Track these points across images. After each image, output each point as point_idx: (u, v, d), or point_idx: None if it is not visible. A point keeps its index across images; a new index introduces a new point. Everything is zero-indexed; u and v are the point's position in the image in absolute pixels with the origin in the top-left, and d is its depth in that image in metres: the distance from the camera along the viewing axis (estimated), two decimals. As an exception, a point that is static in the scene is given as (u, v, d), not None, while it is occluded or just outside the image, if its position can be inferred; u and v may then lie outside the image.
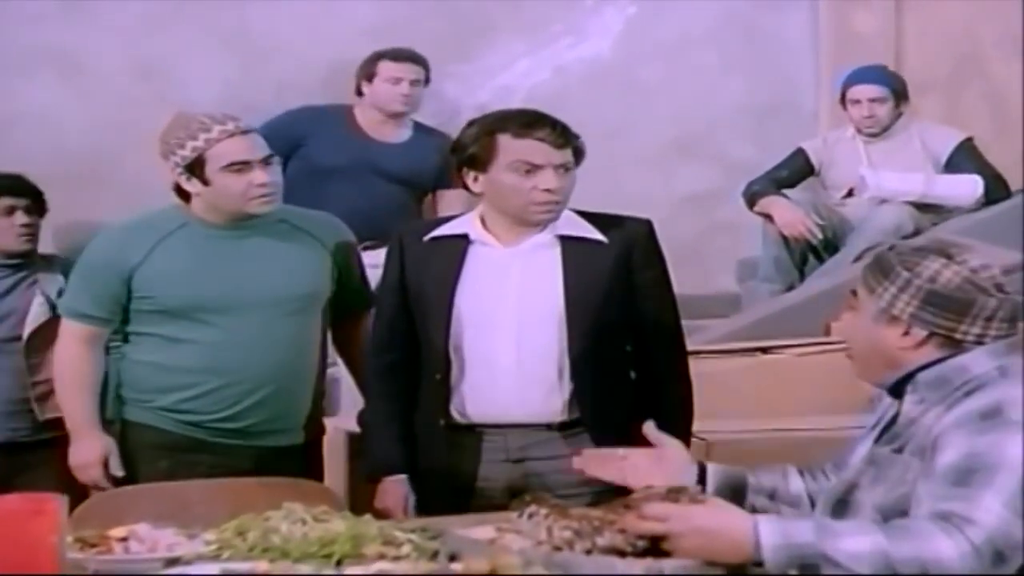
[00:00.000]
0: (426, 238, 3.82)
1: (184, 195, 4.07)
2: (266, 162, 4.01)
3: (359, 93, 6.26)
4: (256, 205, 4.00)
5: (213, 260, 4.03)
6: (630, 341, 3.80)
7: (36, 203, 4.69)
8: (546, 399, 3.71)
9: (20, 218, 4.63)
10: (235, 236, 4.05)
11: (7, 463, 4.47)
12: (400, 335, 3.83)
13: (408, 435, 3.82)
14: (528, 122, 3.71)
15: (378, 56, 6.25)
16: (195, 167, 3.99)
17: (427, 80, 6.28)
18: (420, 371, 3.81)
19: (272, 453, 4.06)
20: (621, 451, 3.13)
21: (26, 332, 4.53)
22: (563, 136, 3.70)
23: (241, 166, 3.97)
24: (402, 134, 6.27)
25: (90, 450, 4.08)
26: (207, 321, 4.01)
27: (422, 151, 6.22)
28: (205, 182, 3.99)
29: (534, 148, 3.67)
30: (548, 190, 3.67)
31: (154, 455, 4.05)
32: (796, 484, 3.09)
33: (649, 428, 3.13)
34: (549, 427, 3.73)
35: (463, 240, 3.78)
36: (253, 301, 4.02)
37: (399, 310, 3.83)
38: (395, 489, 3.82)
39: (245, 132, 4.01)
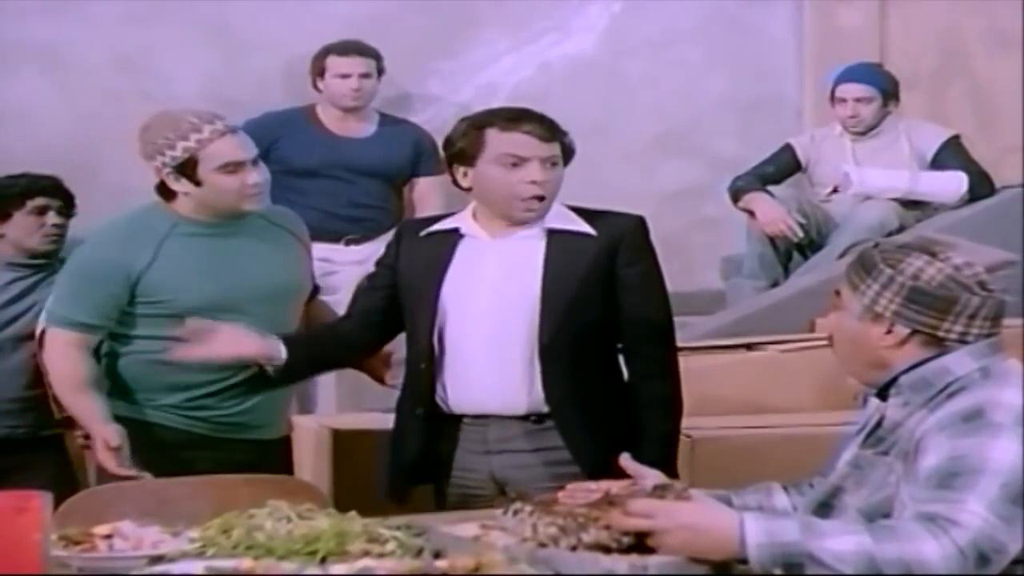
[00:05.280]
0: (422, 233, 3.84)
1: (167, 194, 4.03)
2: (255, 162, 4.01)
3: (316, 89, 6.25)
4: (250, 203, 4.00)
5: (215, 259, 4.01)
6: (615, 337, 3.79)
7: (67, 206, 4.68)
8: (517, 390, 3.71)
9: (52, 219, 4.62)
10: (226, 234, 4.04)
11: (4, 460, 4.45)
12: (362, 308, 3.91)
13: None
14: (515, 116, 3.73)
15: (326, 51, 6.23)
16: (186, 167, 3.95)
17: (380, 71, 6.24)
18: (356, 345, 3.93)
19: (262, 447, 4.07)
20: (594, 484, 3.08)
21: (38, 330, 4.48)
22: (550, 130, 3.72)
23: (235, 167, 3.95)
24: (367, 128, 6.25)
25: (116, 435, 3.91)
26: (216, 320, 3.93)
27: (392, 142, 6.21)
28: (197, 182, 3.96)
29: (520, 141, 3.68)
30: (534, 182, 3.67)
31: (155, 452, 3.95)
32: (781, 500, 3.08)
33: (625, 460, 3.08)
34: (526, 419, 3.72)
35: (454, 234, 3.80)
36: (256, 296, 4.00)
37: (378, 287, 3.87)
38: None
39: (234, 131, 4.00)
